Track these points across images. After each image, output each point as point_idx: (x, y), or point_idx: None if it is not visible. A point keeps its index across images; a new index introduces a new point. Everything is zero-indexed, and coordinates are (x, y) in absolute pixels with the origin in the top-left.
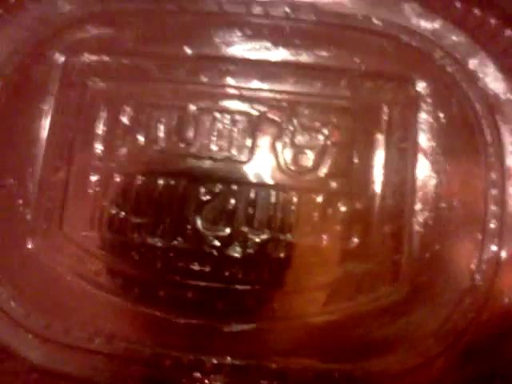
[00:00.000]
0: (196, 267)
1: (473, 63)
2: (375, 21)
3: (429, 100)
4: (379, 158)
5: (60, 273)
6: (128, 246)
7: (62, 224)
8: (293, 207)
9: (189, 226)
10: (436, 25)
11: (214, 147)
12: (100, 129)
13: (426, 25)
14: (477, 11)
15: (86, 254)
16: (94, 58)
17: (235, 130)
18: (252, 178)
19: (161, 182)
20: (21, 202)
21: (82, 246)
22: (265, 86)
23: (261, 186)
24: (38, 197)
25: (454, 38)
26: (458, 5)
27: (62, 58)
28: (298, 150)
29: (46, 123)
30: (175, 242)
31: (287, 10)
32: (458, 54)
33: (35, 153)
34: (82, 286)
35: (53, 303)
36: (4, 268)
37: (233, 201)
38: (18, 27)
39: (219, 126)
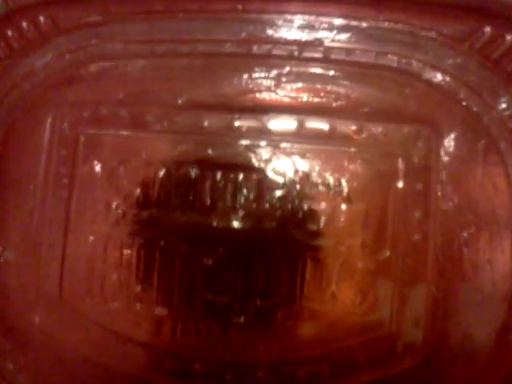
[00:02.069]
0: (203, 338)
1: (503, 102)
2: (391, 56)
3: (452, 146)
4: (397, 213)
5: (66, 343)
6: (132, 314)
7: (62, 291)
8: (301, 270)
9: (193, 294)
10: (460, 57)
11: (214, 209)
12: (96, 188)
13: (449, 58)
14: (509, 37)
15: (89, 323)
16: (86, 108)
17: (238, 189)
18: (253, 243)
19: (161, 245)
20: (18, 269)
21: (84, 314)
22: (268, 135)
23: (263, 250)
24: (36, 263)
25: (481, 72)
26: (488, 29)
27: (51, 110)
28: (307, 209)
29: (39, 181)
30: (182, 312)
31: (293, 48)
32: (486, 91)
33: (30, 214)
34: (90, 355)
35: (61, 375)
36: (11, 341)
37: (236, 266)
38: (5, 80)
39: (220, 185)
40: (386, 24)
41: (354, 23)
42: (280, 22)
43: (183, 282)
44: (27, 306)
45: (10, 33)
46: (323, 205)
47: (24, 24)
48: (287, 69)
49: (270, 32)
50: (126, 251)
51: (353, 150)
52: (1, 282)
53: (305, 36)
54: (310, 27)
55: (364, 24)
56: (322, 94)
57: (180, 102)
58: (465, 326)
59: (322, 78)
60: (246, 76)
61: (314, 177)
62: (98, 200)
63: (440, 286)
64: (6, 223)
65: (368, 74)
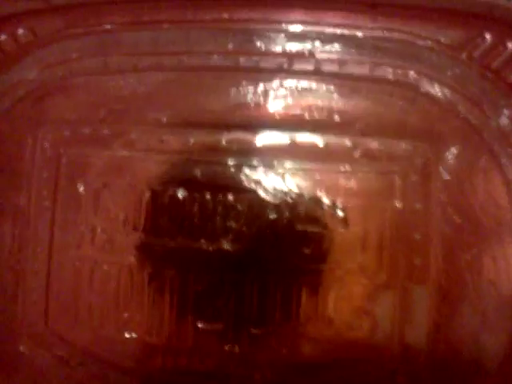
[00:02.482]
0: (196, 367)
1: (504, 115)
2: (386, 67)
3: (451, 162)
4: (396, 234)
5: (53, 372)
6: (120, 343)
7: (48, 319)
8: (296, 295)
9: (184, 322)
10: (459, 68)
11: (203, 232)
12: (80, 211)
13: (447, 69)
14: (511, 45)
15: (76, 351)
16: (68, 127)
17: (228, 211)
18: (246, 267)
19: (149, 270)
20: (1, 296)
21: (71, 343)
22: (258, 153)
23: (256, 275)
24: (19, 290)
25: (481, 83)
26: (488, 36)
27: (31, 129)
28: (301, 232)
29: (20, 205)
30: (173, 341)
31: (282, 60)
32: (487, 103)
33: (11, 238)
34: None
35: None
36: None
37: (228, 292)
38: None
39: (209, 207)
40: (381, 33)
41: (346, 32)
42: (268, 32)
43: (173, 310)
44: (12, 334)
45: None
46: (318, 227)
47: (2, 37)
48: (277, 82)
49: (257, 43)
50: (113, 277)
51: (348, 167)
52: None
53: (295, 47)
54: (300, 37)
55: (357, 33)
56: (315, 109)
57: (165, 119)
58: (469, 351)
59: (314, 92)
60: (233, 91)
61: (308, 197)
62: (82, 224)
63: (442, 310)
64: None
65: (362, 87)
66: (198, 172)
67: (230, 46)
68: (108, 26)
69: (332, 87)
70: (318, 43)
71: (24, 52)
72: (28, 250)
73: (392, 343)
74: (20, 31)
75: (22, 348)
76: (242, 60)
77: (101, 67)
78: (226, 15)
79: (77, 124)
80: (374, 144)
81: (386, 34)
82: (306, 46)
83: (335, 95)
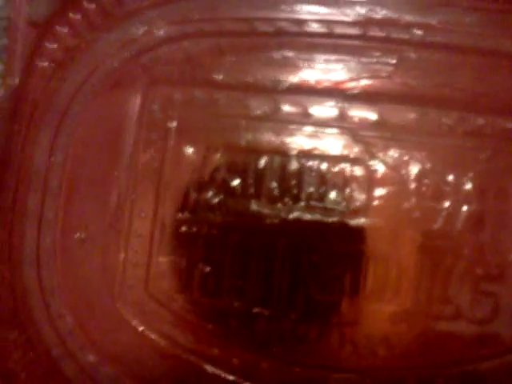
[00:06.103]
0: (304, 341)
1: None
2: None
3: None
4: None
5: (151, 338)
6: (224, 312)
7: (148, 284)
8: (418, 271)
9: (295, 293)
10: None
11: (322, 203)
12: (188, 175)
13: None
14: None
15: (177, 320)
16: (179, 90)
17: (347, 182)
18: (365, 240)
19: (260, 239)
20: (105, 258)
21: (172, 310)
22: (382, 126)
23: (374, 248)
24: (124, 250)
25: None
26: None
27: (140, 91)
28: (424, 208)
29: (123, 166)
30: (287, 312)
31: (414, 31)
32: None
33: (117, 199)
34: (177, 354)
35: (139, 367)
36: (92, 331)
37: (343, 264)
38: (91, 58)
39: (328, 177)
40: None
41: (479, 4)
42: (399, 1)
43: (284, 279)
44: (111, 296)
45: (85, 4)
46: (442, 203)
47: None
48: (407, 54)
49: (387, 12)
50: (220, 244)
51: (477, 145)
52: (84, 270)
53: (427, 18)
54: (432, 8)
55: (491, 5)
56: (446, 84)
57: (284, 87)
58: None
59: (446, 67)
60: (357, 60)
61: (433, 174)
62: (190, 187)
63: None
64: (86, 207)
65: (498, 64)
66: (317, 143)
67: (356, 15)
68: None
69: (466, 62)
70: (452, 15)
71: (132, 11)
72: (132, 210)
73: None
74: None
75: (119, 311)
76: (371, 29)
77: (216, 30)
78: None
79: (189, 87)
80: (508, 123)
81: None
82: (440, 18)
83: (468, 72)
